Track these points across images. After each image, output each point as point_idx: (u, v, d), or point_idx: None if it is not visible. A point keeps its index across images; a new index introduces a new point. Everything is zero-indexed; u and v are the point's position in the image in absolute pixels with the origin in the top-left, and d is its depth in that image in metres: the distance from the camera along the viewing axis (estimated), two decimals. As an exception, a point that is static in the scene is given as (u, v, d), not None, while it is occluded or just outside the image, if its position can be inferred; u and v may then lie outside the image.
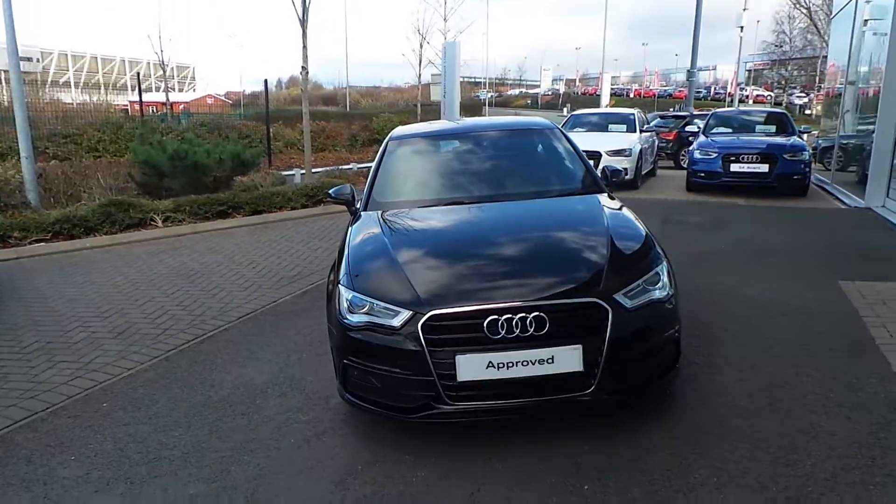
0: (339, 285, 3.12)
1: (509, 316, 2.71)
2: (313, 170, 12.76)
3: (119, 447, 3.14)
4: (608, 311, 2.76)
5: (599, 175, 4.22)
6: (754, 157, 9.68)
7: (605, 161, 9.18)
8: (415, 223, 3.63)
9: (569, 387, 2.76)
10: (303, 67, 11.78)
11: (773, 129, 11.02)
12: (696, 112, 19.60)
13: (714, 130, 11.39)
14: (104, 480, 2.86)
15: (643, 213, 3.94)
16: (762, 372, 3.56)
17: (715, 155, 9.96)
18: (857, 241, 6.77)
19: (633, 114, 12.42)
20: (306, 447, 3.04)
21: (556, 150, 4.36)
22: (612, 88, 58.35)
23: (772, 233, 7.33)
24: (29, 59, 47.39)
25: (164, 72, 24.60)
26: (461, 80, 16.71)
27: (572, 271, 3.00)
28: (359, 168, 15.45)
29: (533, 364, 2.70)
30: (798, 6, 39.31)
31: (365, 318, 2.93)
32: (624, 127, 11.85)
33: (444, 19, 23.41)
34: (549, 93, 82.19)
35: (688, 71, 21.67)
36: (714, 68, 76.58)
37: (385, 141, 4.54)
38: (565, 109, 54.19)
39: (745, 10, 32.27)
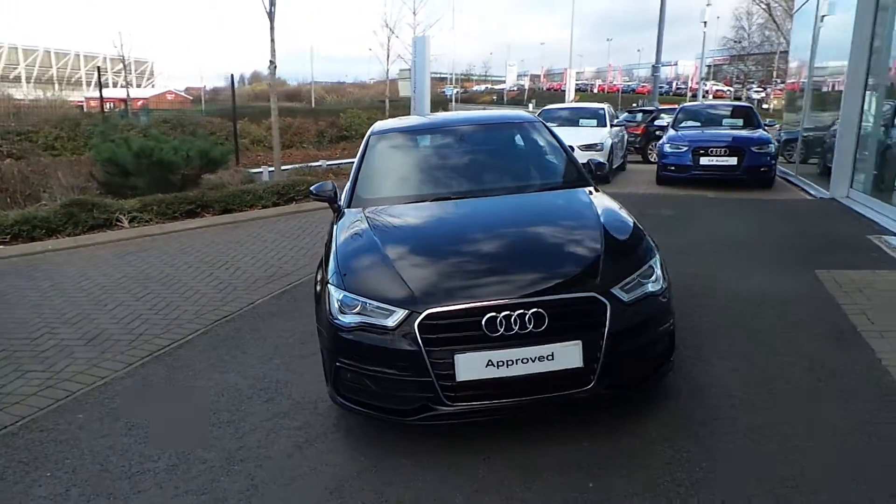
0: (329, 285, 3.02)
1: (507, 313, 2.65)
2: (282, 167, 12.51)
3: (98, 461, 2.99)
4: (606, 305, 2.73)
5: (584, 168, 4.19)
6: (723, 150, 9.84)
7: (577, 156, 9.18)
8: (403, 220, 3.54)
9: (568, 383, 2.73)
10: (270, 62, 11.53)
11: (739, 122, 11.22)
12: (660, 107, 19.90)
13: (682, 124, 11.55)
14: (85, 498, 2.72)
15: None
16: (751, 362, 3.59)
17: (685, 148, 10.10)
18: (827, 231, 6.93)
19: (604, 108, 12.51)
20: (298, 454, 2.94)
21: (541, 143, 4.33)
22: (576, 84, 58.88)
23: (744, 224, 7.45)
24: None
25: (125, 67, 23.83)
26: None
27: (569, 266, 2.96)
28: (328, 165, 15.25)
29: (533, 361, 2.65)
30: (757, 2, 40.18)
31: (357, 319, 2.84)
32: (594, 122, 11.92)
33: (414, 13, 23.23)
34: (515, 88, 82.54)
35: (652, 66, 21.97)
36: (675, 64, 77.87)
37: (367, 136, 4.44)
38: (531, 105, 54.48)
39: (708, 5, 32.87)
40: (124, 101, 26.34)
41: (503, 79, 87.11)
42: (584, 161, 4.38)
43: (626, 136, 13.95)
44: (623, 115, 16.93)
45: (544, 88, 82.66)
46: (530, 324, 2.65)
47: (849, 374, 3.37)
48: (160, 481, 2.79)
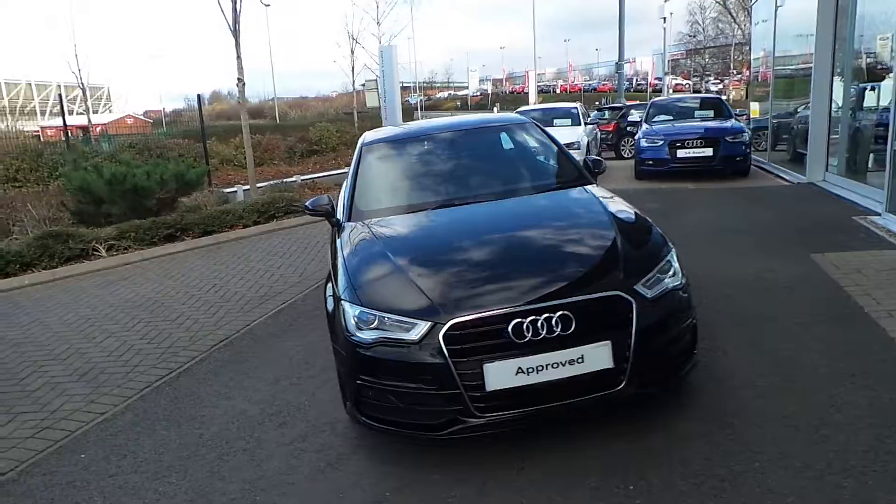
0: (343, 301, 2.92)
1: (534, 317, 2.59)
2: (256, 185, 12.29)
3: (111, 502, 2.83)
4: (632, 302, 2.68)
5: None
6: (699, 141, 9.97)
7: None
8: (410, 229, 3.46)
9: (599, 385, 2.67)
10: (238, 79, 11.33)
11: (710, 114, 11.39)
12: (628, 103, 20.15)
13: (655, 119, 11.68)
14: (103, 542, 2.56)
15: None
16: (766, 349, 3.58)
17: (661, 142, 10.20)
18: (811, 214, 7.04)
19: (577, 107, 12.60)
20: (322, 479, 2.82)
21: (537, 144, 4.29)
22: (538, 85, 59.44)
23: (730, 213, 7.53)
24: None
25: (85, 92, 23.26)
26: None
27: (590, 266, 2.91)
28: (303, 180, 15.02)
29: (563, 365, 2.59)
30: (712, -5, 41.11)
31: (376, 334, 2.74)
32: (569, 121, 11.99)
33: (378, 23, 23.19)
34: (478, 93, 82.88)
35: (616, 64, 22.23)
36: (633, 61, 79.28)
37: (358, 147, 4.34)
38: (496, 109, 54.78)
39: (666, 0, 33.48)
40: (83, 128, 25.67)
41: (465, 85, 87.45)
42: (580, 160, 4.35)
43: (598, 134, 14.06)
44: (593, 114, 17.07)
45: (507, 92, 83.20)
46: (557, 327, 2.59)
47: (866, 355, 3.38)
48: (182, 519, 2.65)
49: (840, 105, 8.67)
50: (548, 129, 4.61)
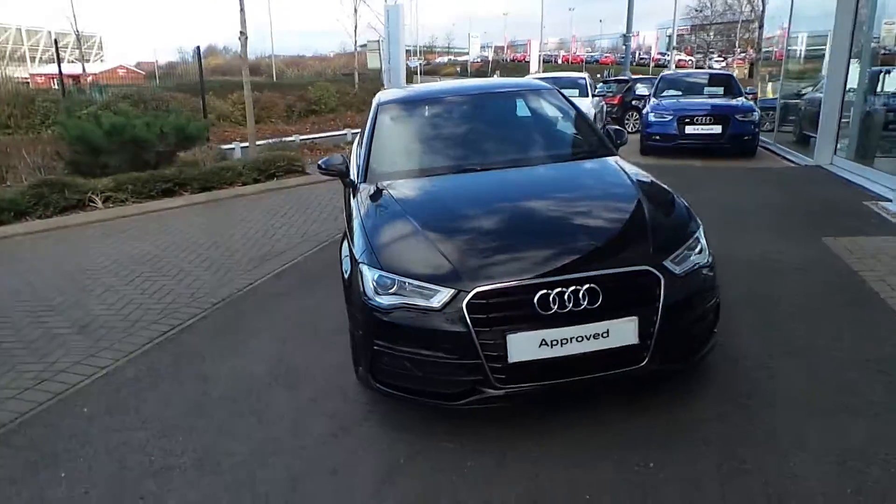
0: (361, 264, 2.82)
1: (561, 289, 2.51)
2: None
3: (116, 458, 2.77)
4: (660, 278, 2.61)
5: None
6: (708, 118, 9.84)
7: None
8: (431, 193, 3.35)
9: (622, 360, 2.61)
10: (241, 32, 10.97)
11: (720, 91, 11.23)
12: (633, 76, 19.87)
13: (664, 93, 11.51)
14: (109, 499, 2.51)
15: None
16: (780, 331, 3.54)
17: (670, 117, 10.06)
18: (821, 198, 6.97)
19: (584, 77, 12.37)
20: (334, 443, 2.77)
21: (560, 111, 4.16)
22: (540, 54, 58.62)
23: (738, 193, 7.45)
24: None
25: (80, 40, 22.62)
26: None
27: (619, 239, 2.83)
28: (302, 140, 14.80)
29: (588, 339, 2.53)
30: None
31: (396, 300, 2.66)
32: (576, 91, 11.75)
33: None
34: (479, 60, 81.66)
35: (623, 36, 21.92)
36: (637, 34, 78.15)
37: (374, 107, 4.19)
38: (496, 75, 54.00)
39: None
40: (75, 77, 25.00)
41: (466, 51, 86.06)
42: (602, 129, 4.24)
43: (604, 107, 13.87)
44: (599, 86, 16.81)
45: (508, 60, 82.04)
46: (584, 300, 2.52)
47: (881, 341, 3.34)
48: (190, 479, 2.60)
49: (855, 88, 8.54)
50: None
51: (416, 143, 3.95)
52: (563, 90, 12.86)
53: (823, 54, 10.03)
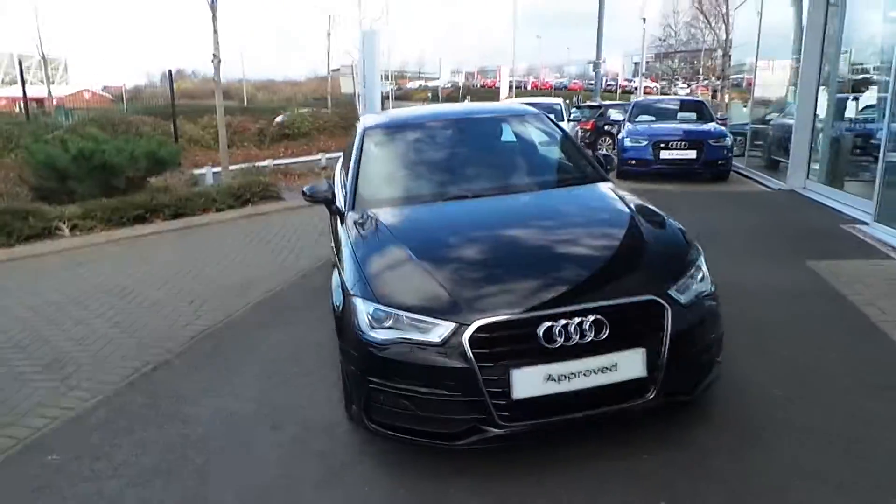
0: (355, 297, 2.69)
1: (565, 321, 2.41)
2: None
3: (89, 511, 2.56)
4: (666, 308, 2.53)
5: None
6: (683, 143, 9.97)
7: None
8: (425, 221, 3.23)
9: (629, 394, 2.52)
10: (214, 55, 10.84)
11: (693, 116, 11.42)
12: (603, 102, 20.18)
13: (638, 119, 11.65)
14: (83, 559, 2.29)
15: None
16: (780, 357, 3.49)
17: (645, 142, 10.17)
18: (798, 222, 7.05)
19: (559, 103, 12.49)
20: (327, 489, 2.60)
21: (549, 136, 4.11)
22: (509, 80, 59.42)
23: (716, 217, 7.50)
24: None
25: (45, 63, 22.14)
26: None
27: (623, 268, 2.75)
28: (276, 164, 14.58)
29: (595, 373, 2.43)
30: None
31: (393, 334, 2.53)
32: (552, 116, 11.81)
33: (359, 6, 22.66)
34: (449, 85, 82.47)
35: (594, 63, 22.32)
36: (604, 61, 79.81)
37: (359, 132, 4.08)
38: (466, 101, 54.45)
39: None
40: (38, 100, 24.40)
41: (436, 76, 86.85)
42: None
43: (579, 132, 14.01)
44: (573, 111, 17.02)
45: (479, 85, 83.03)
46: (590, 332, 2.42)
47: (882, 367, 3.31)
48: (171, 533, 2.39)
49: (824, 115, 8.75)
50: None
51: (406, 169, 3.84)
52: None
53: (791, 82, 10.31)
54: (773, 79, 11.60)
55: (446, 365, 2.42)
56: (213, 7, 10.58)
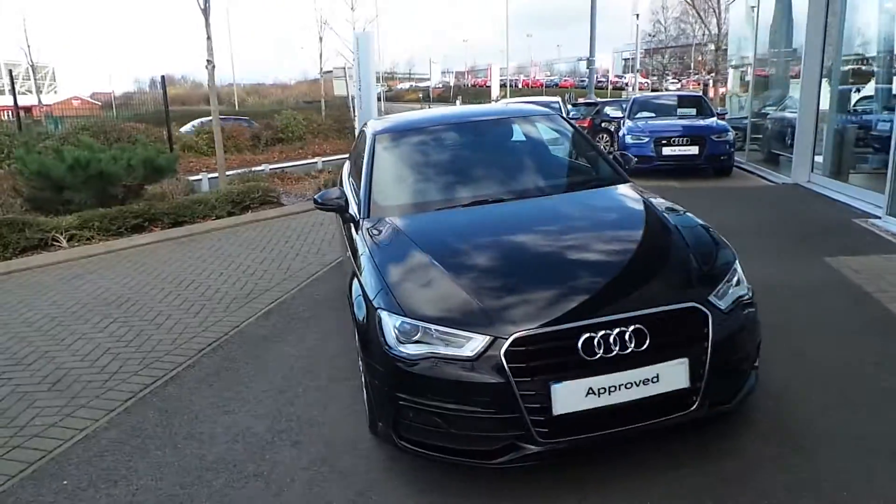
0: (379, 310, 2.57)
1: (605, 332, 2.30)
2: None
3: (105, 542, 2.43)
4: (708, 315, 2.43)
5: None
6: (685, 139, 9.89)
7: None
8: (447, 228, 3.11)
9: (672, 406, 2.41)
10: (208, 61, 10.64)
11: (692, 112, 11.35)
12: (597, 99, 20.11)
13: (637, 115, 11.57)
14: None
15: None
16: (812, 359, 3.40)
17: (647, 139, 10.09)
18: (808, 216, 6.98)
19: (557, 101, 12.39)
20: (358, 511, 2.48)
21: (567, 137, 3.99)
22: (500, 79, 59.29)
23: (724, 213, 7.40)
24: None
25: (33, 71, 21.86)
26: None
27: (661, 274, 2.65)
28: (272, 169, 14.42)
29: (637, 385, 2.32)
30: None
31: (423, 349, 2.41)
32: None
33: (352, 8, 22.50)
34: (440, 86, 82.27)
35: (588, 59, 22.26)
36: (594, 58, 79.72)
37: (369, 137, 3.95)
38: (458, 101, 54.33)
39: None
40: (27, 108, 24.09)
41: (427, 77, 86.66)
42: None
43: (577, 130, 13.90)
44: (570, 110, 16.91)
45: (470, 85, 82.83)
46: (631, 343, 2.31)
47: (919, 367, 3.22)
48: (196, 564, 2.27)
49: (828, 107, 8.68)
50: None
51: (421, 174, 3.71)
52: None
53: (791, 74, 10.25)
54: (772, 71, 11.53)
55: (481, 380, 2.31)
56: (205, 12, 10.40)
